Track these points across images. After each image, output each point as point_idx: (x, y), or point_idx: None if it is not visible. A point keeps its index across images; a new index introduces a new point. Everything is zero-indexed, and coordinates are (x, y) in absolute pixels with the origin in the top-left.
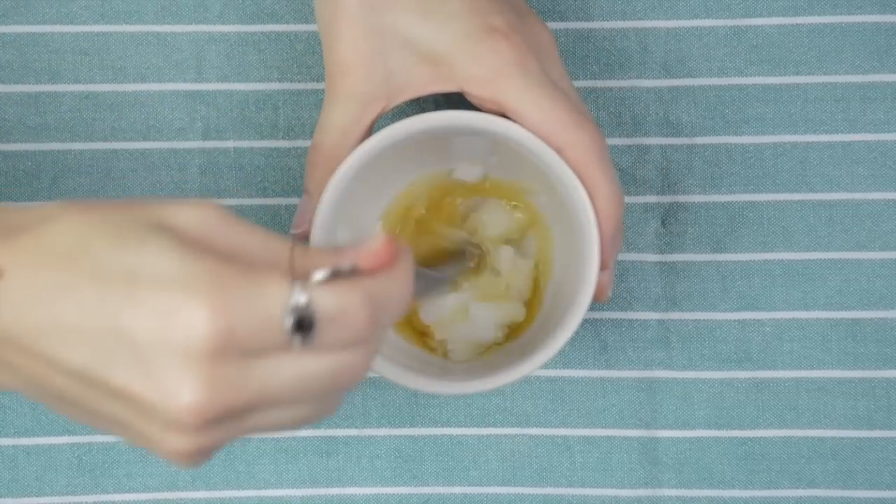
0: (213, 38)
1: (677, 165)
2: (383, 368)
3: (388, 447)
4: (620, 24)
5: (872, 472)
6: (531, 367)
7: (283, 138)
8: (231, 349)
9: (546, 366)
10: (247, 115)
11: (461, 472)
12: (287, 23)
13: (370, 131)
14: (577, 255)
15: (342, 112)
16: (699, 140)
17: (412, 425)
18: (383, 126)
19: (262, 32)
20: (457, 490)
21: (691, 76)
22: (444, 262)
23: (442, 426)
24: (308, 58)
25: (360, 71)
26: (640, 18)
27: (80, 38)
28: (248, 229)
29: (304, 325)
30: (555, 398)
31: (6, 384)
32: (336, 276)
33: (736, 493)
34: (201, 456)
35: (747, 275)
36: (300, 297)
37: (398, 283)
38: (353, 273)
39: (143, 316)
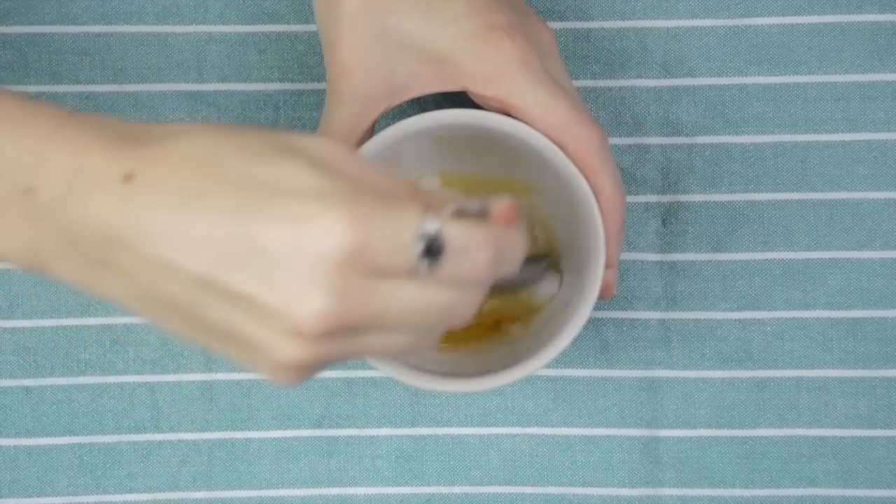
0: (214, 39)
1: (678, 165)
2: (384, 366)
3: (389, 447)
4: (620, 23)
5: (873, 472)
6: (532, 367)
7: None
8: (362, 263)
9: (547, 365)
10: (247, 115)
11: (462, 471)
12: (288, 23)
13: (372, 131)
14: (581, 252)
15: (343, 113)
16: (699, 139)
17: (413, 425)
18: (384, 126)
19: (262, 32)
20: (458, 490)
21: (691, 76)
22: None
23: (443, 426)
24: (309, 58)
25: (361, 71)
26: (639, 18)
27: (81, 39)
28: (375, 165)
29: (432, 251)
30: (556, 398)
31: (113, 294)
32: (462, 215)
33: (737, 492)
34: (309, 370)
35: (748, 274)
36: (432, 225)
37: (516, 239)
38: (479, 216)
39: (276, 223)
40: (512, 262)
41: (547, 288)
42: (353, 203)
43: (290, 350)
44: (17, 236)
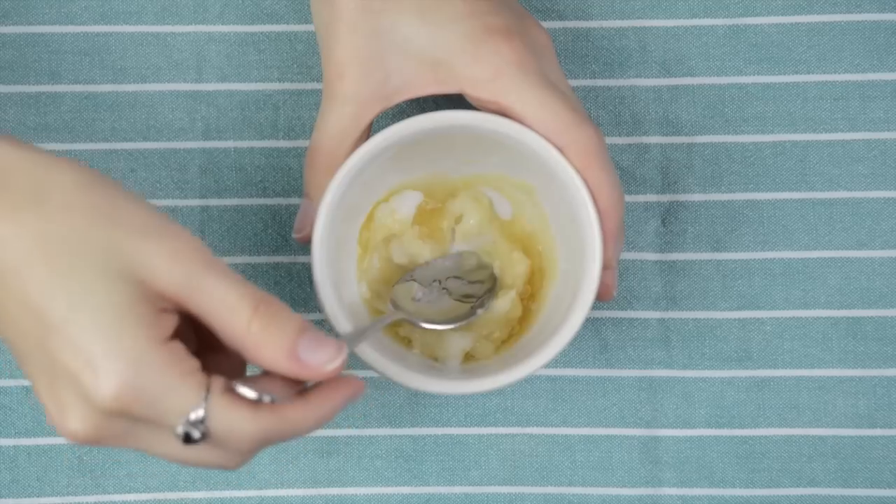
0: (213, 39)
1: (677, 164)
2: (384, 368)
3: (388, 447)
4: (619, 23)
5: (873, 471)
6: (534, 366)
7: (284, 138)
8: (125, 416)
9: (547, 365)
10: (247, 115)
11: (462, 471)
12: (287, 23)
13: (369, 132)
14: (580, 254)
15: (340, 114)
16: (699, 139)
17: (413, 425)
18: (383, 126)
19: (262, 32)
20: (457, 490)
21: (691, 75)
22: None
23: (442, 426)
24: (308, 58)
25: (357, 73)
26: (639, 18)
27: (80, 39)
28: (217, 285)
29: (190, 438)
30: (555, 397)
31: None
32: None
33: (737, 491)
34: (92, 438)
35: (747, 273)
36: (198, 412)
37: (309, 424)
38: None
39: (66, 350)
40: (292, 437)
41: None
42: (133, 367)
43: (66, 434)
44: None
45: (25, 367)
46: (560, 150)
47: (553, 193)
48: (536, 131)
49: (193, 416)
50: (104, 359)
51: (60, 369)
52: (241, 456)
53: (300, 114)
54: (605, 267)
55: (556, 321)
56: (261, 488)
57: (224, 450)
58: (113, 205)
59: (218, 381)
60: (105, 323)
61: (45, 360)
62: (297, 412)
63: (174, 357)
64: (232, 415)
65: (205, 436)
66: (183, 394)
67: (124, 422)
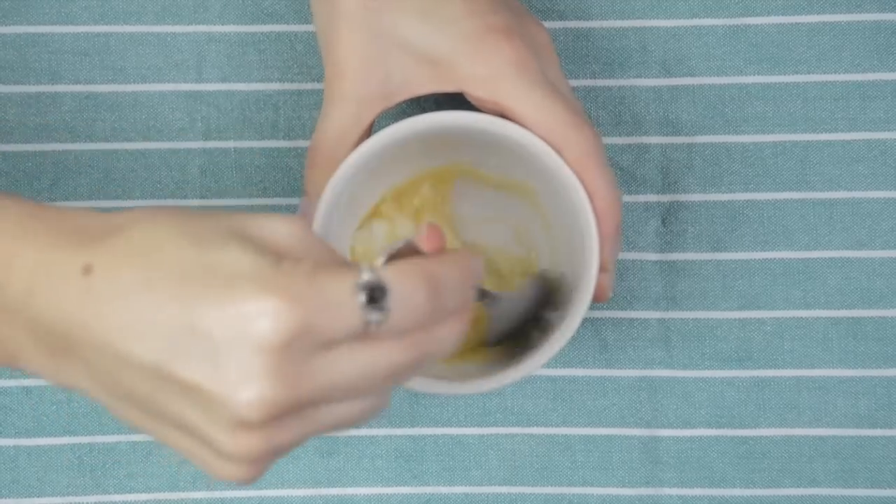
0: (214, 39)
1: (677, 164)
2: None
3: (388, 447)
4: (619, 23)
5: (874, 471)
6: (531, 367)
7: (284, 138)
8: (306, 341)
9: (546, 365)
10: (247, 115)
11: (462, 471)
12: (287, 23)
13: (369, 131)
14: (578, 256)
15: (341, 113)
16: (699, 139)
17: (413, 425)
18: (384, 125)
19: (262, 32)
20: (458, 490)
21: (691, 75)
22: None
23: (442, 426)
24: (308, 58)
25: (358, 72)
26: (639, 17)
27: (80, 39)
28: (325, 247)
29: (375, 298)
30: (555, 397)
31: (78, 384)
32: (394, 258)
33: (737, 492)
34: (260, 462)
35: (748, 274)
36: (367, 274)
37: (453, 265)
38: (410, 254)
39: (216, 311)
40: (457, 287)
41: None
42: (289, 283)
43: (236, 441)
44: None
45: (180, 377)
46: (557, 150)
47: (552, 195)
48: (534, 132)
49: (363, 279)
50: (258, 290)
51: (220, 337)
52: (427, 332)
53: (300, 114)
54: (602, 269)
55: (553, 323)
56: (261, 488)
57: (409, 315)
58: (186, 213)
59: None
60: (240, 266)
61: (200, 347)
62: (436, 257)
63: (329, 256)
64: (393, 266)
65: (383, 294)
66: (344, 272)
67: (306, 352)
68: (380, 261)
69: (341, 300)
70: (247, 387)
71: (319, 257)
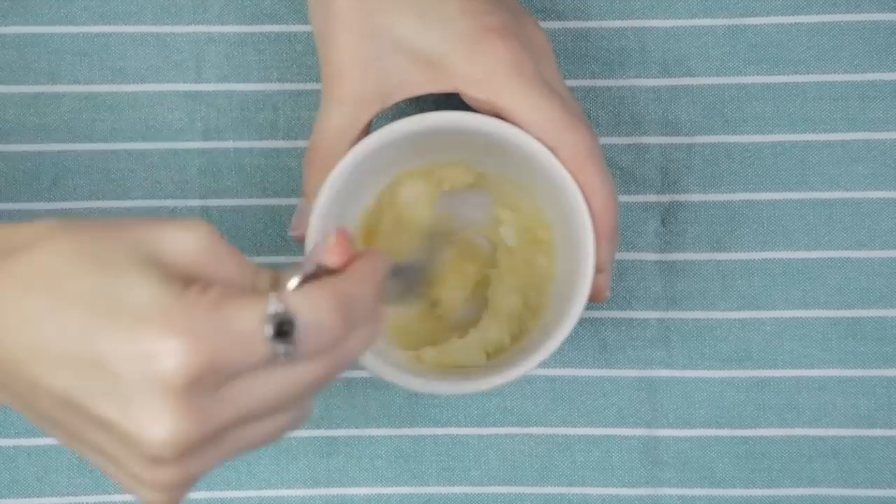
0: (213, 39)
1: (677, 164)
2: (382, 370)
3: (388, 447)
4: (619, 23)
5: (873, 471)
6: (527, 367)
7: (283, 138)
8: (211, 375)
9: (546, 365)
10: (247, 115)
11: (462, 471)
12: (287, 23)
13: (367, 132)
14: (574, 256)
15: (338, 114)
16: (698, 139)
17: (412, 425)
18: (380, 125)
19: (261, 33)
20: (457, 490)
21: (690, 75)
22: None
23: (442, 426)
24: (308, 58)
25: (355, 73)
26: (638, 18)
27: (80, 39)
28: (232, 257)
29: (283, 330)
30: (555, 397)
31: (4, 404)
32: (306, 281)
33: (737, 492)
34: (181, 488)
35: (747, 274)
36: (276, 306)
37: (362, 279)
38: (321, 275)
39: (121, 347)
40: (368, 299)
41: (473, 214)
42: (192, 320)
43: (153, 474)
44: None
45: (91, 411)
46: (553, 151)
47: (549, 195)
48: (530, 132)
49: (272, 310)
50: (162, 328)
51: (125, 374)
52: (342, 349)
53: (300, 114)
54: (599, 269)
55: (551, 322)
56: (261, 488)
57: (320, 340)
58: (95, 225)
59: (265, 278)
60: (145, 299)
61: (107, 381)
62: (347, 272)
63: (225, 289)
64: (302, 294)
65: (291, 326)
66: (251, 302)
67: (212, 385)
68: (292, 283)
69: (248, 334)
70: (155, 426)
71: (227, 276)
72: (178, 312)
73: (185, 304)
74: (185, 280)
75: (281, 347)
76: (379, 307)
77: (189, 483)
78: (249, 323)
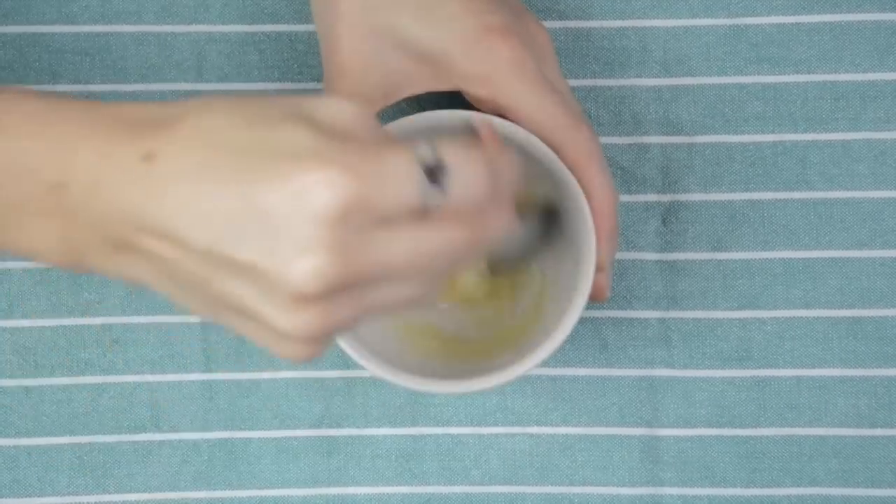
0: (214, 38)
1: (678, 164)
2: (382, 371)
3: (389, 447)
4: (620, 23)
5: (874, 471)
6: (528, 365)
7: None
8: (363, 213)
9: (546, 364)
10: None
11: (462, 471)
12: (287, 23)
13: None
14: (574, 255)
15: None
16: (699, 139)
17: (413, 425)
18: (382, 124)
19: (262, 32)
20: (458, 489)
21: (691, 75)
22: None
23: (443, 426)
24: (308, 58)
25: (357, 71)
26: (639, 17)
27: (80, 39)
28: (384, 129)
29: (435, 175)
30: (555, 397)
31: (141, 278)
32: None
33: (737, 491)
34: (317, 340)
35: (748, 273)
36: (428, 153)
37: (506, 159)
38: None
39: (275, 187)
40: (509, 178)
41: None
42: (347, 157)
43: (293, 318)
44: (49, 234)
45: (235, 258)
46: (554, 150)
47: (550, 193)
48: (532, 131)
49: (422, 153)
50: (316, 163)
51: (278, 213)
52: (481, 222)
53: None
54: (599, 268)
55: (550, 322)
56: (261, 488)
57: (465, 195)
58: (242, 98)
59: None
60: (298, 142)
61: (258, 226)
62: (493, 150)
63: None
64: (453, 144)
65: (443, 172)
66: (404, 150)
67: (362, 226)
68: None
69: (401, 176)
70: (303, 259)
71: (378, 136)
72: (331, 150)
73: (340, 146)
74: (338, 134)
75: (432, 193)
76: (513, 201)
77: (326, 335)
78: (403, 163)
